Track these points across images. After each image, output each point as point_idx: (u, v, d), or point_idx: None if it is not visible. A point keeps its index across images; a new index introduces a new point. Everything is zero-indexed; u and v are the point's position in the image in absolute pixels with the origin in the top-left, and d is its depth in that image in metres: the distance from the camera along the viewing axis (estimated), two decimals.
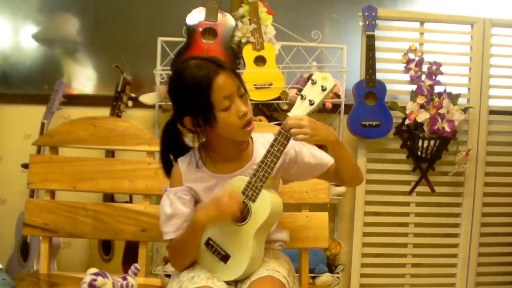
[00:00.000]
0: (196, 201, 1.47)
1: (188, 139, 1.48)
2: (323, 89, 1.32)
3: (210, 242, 1.42)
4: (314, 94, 1.33)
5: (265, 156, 1.36)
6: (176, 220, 1.43)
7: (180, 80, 1.37)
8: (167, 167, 1.50)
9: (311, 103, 1.33)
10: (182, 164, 1.48)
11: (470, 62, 2.65)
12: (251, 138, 1.49)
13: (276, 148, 1.35)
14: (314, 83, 1.33)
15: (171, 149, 1.49)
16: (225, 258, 1.41)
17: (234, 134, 1.39)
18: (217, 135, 1.40)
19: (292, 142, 1.37)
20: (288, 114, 1.35)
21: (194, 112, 1.37)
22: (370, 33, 2.49)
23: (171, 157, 1.50)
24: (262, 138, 1.50)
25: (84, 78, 2.70)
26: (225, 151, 1.45)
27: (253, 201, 1.37)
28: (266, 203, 1.37)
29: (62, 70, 2.67)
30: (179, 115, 1.41)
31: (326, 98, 1.36)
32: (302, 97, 1.34)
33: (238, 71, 2.25)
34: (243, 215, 1.39)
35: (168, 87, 1.42)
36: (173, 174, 1.49)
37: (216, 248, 1.42)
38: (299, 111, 1.34)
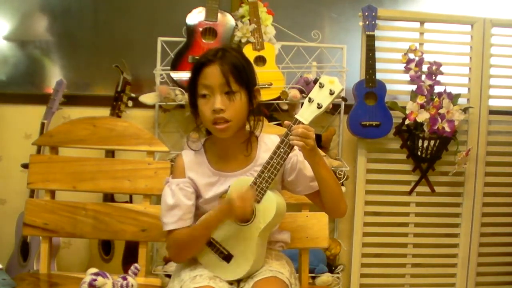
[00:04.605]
0: (197, 195, 1.47)
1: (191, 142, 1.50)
2: (331, 93, 1.33)
3: (213, 241, 1.42)
4: (322, 97, 1.34)
5: (271, 157, 1.36)
6: (177, 211, 1.42)
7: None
8: None
9: (319, 106, 1.34)
10: (186, 157, 1.49)
11: (470, 62, 2.66)
12: (256, 138, 1.49)
13: (282, 150, 1.35)
14: (321, 86, 1.34)
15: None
16: (228, 257, 1.41)
17: (208, 125, 1.42)
18: None
19: (296, 149, 1.37)
20: (296, 116, 1.35)
21: (189, 90, 1.45)
22: (370, 33, 2.49)
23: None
24: (268, 139, 1.50)
25: (84, 78, 2.70)
26: (225, 145, 1.46)
27: (258, 201, 1.37)
28: (271, 204, 1.37)
29: (62, 70, 2.66)
30: None
31: (332, 102, 1.37)
32: (310, 100, 1.35)
33: None
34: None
35: None
36: (176, 165, 1.50)
37: (219, 248, 1.42)
38: (307, 113, 1.35)
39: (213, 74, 1.37)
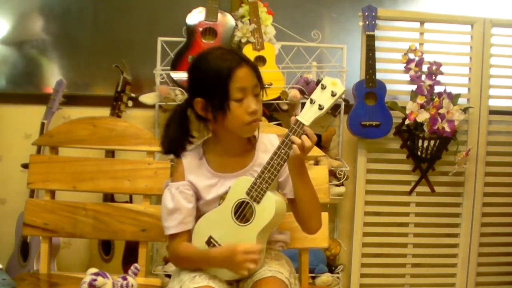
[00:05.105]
0: (197, 197, 1.47)
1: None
2: (333, 95, 1.33)
3: (212, 241, 1.42)
4: (323, 99, 1.34)
5: (272, 158, 1.36)
6: (177, 215, 1.42)
7: (203, 62, 1.40)
8: (170, 148, 1.49)
9: (321, 107, 1.34)
10: (186, 159, 1.48)
11: (470, 62, 2.66)
12: (255, 138, 1.49)
13: (283, 151, 1.35)
14: (324, 88, 1.34)
15: (175, 131, 1.49)
16: None
17: (238, 127, 1.39)
18: (223, 127, 1.41)
19: None
20: (297, 117, 1.35)
21: (209, 95, 1.38)
22: (370, 33, 2.49)
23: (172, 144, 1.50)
24: (267, 139, 1.50)
25: (84, 78, 2.69)
26: (229, 146, 1.46)
27: (258, 202, 1.38)
28: (271, 204, 1.37)
29: (62, 70, 2.66)
30: (191, 95, 1.43)
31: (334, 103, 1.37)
32: (312, 101, 1.34)
33: None
34: (246, 216, 1.39)
35: (189, 67, 1.44)
36: (176, 168, 1.49)
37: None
38: (309, 115, 1.35)
39: (247, 76, 1.36)
